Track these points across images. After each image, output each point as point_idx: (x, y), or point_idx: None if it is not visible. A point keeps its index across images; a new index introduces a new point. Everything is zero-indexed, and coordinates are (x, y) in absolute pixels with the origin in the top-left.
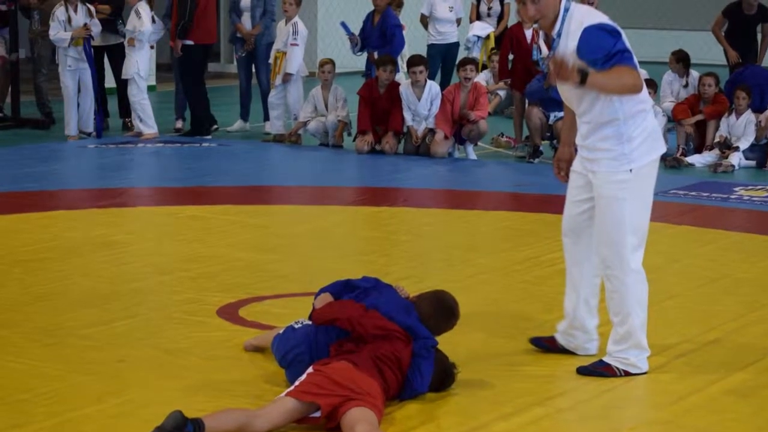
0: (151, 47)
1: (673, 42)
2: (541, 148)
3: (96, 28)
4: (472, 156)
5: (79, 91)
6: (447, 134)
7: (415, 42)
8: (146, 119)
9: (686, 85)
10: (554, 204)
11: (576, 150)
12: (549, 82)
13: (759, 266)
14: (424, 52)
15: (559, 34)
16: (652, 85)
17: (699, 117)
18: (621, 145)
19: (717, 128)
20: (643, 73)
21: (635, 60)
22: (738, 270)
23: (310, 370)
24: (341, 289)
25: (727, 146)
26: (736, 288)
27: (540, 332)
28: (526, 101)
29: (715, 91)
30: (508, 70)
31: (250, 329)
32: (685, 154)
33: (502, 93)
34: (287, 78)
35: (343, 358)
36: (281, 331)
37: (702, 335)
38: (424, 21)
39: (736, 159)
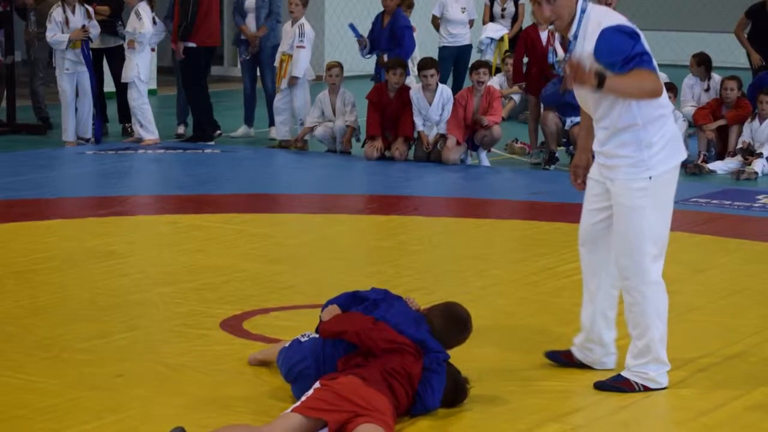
0: (152, 50)
1: (694, 44)
2: (556, 155)
3: (95, 29)
4: (486, 163)
5: (77, 95)
6: (459, 140)
7: (426, 44)
8: (147, 124)
9: (708, 89)
10: (570, 213)
11: (593, 156)
12: (565, 86)
13: None
14: (435, 55)
15: (575, 36)
16: (673, 89)
17: (721, 122)
18: (640, 151)
19: (740, 134)
20: (663, 77)
21: (655, 63)
22: (762, 281)
23: (317, 385)
24: (349, 301)
25: (750, 152)
26: (759, 300)
27: (556, 346)
28: (542, 106)
29: (738, 95)
30: (523, 73)
31: (255, 342)
32: (706, 161)
33: (516, 97)
34: (293, 82)
35: (352, 372)
36: (287, 345)
37: (724, 349)
38: (436, 22)
39: (759, 166)
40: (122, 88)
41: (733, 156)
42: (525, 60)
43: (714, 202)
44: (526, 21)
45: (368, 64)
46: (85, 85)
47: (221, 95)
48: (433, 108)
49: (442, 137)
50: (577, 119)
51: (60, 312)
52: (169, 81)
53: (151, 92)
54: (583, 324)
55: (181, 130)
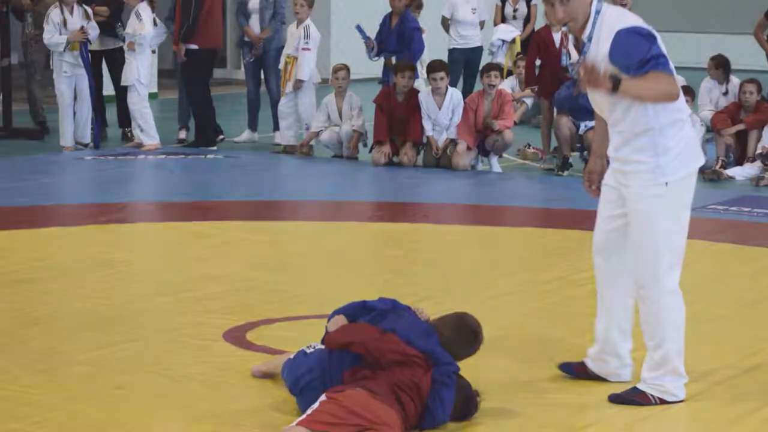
0: (153, 52)
1: (712, 46)
2: (570, 160)
3: (93, 31)
4: (497, 168)
5: (75, 98)
6: (470, 145)
7: (435, 46)
8: (147, 129)
9: (726, 93)
10: (585, 220)
11: (608, 162)
12: (579, 90)
13: None
14: (445, 57)
15: (589, 38)
16: (690, 92)
17: (740, 127)
18: (656, 156)
19: (759, 139)
20: (680, 80)
21: (671, 66)
22: None
23: (322, 397)
24: (356, 311)
25: None
26: None
27: (569, 357)
28: (555, 110)
29: (757, 99)
30: (535, 76)
31: (259, 354)
32: (724, 167)
33: (528, 101)
34: (298, 85)
35: (359, 385)
36: (292, 356)
37: (743, 360)
38: (446, 24)
39: None
40: (122, 92)
41: (752, 162)
42: (537, 62)
43: (732, 209)
44: (539, 22)
45: (376, 67)
46: (84, 89)
47: (224, 99)
48: (443, 112)
49: (452, 142)
50: (592, 123)
51: (58, 322)
52: (171, 84)
53: (151, 96)
54: (597, 335)
55: (182, 134)
